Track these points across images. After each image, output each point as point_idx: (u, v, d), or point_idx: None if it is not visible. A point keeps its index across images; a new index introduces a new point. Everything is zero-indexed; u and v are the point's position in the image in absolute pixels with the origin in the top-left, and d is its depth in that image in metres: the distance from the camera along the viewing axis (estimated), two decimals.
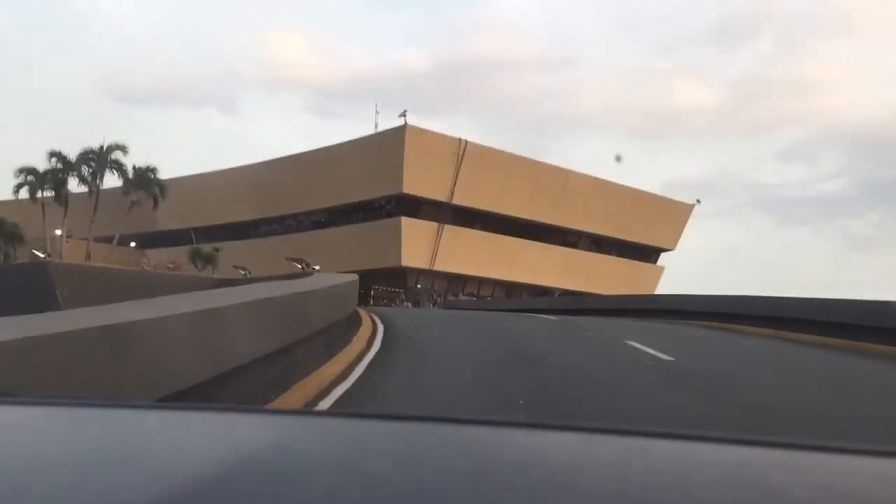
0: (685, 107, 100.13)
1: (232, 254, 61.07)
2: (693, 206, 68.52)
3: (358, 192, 53.42)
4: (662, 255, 70.02)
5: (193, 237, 64.68)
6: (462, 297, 46.59)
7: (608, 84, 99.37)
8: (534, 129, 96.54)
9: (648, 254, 69.00)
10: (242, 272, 28.99)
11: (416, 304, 42.83)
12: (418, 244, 52.51)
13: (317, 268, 27.51)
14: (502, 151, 55.57)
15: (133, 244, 66.64)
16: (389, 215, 53.20)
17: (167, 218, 64.40)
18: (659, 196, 66.66)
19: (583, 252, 63.15)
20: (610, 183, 62.55)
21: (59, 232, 63.46)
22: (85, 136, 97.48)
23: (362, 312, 17.67)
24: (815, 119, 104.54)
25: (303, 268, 28.34)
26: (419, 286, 48.36)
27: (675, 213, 67.52)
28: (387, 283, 55.93)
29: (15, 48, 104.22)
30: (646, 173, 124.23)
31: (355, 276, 17.36)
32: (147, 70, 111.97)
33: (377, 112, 50.81)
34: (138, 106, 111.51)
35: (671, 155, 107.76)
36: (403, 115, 48.87)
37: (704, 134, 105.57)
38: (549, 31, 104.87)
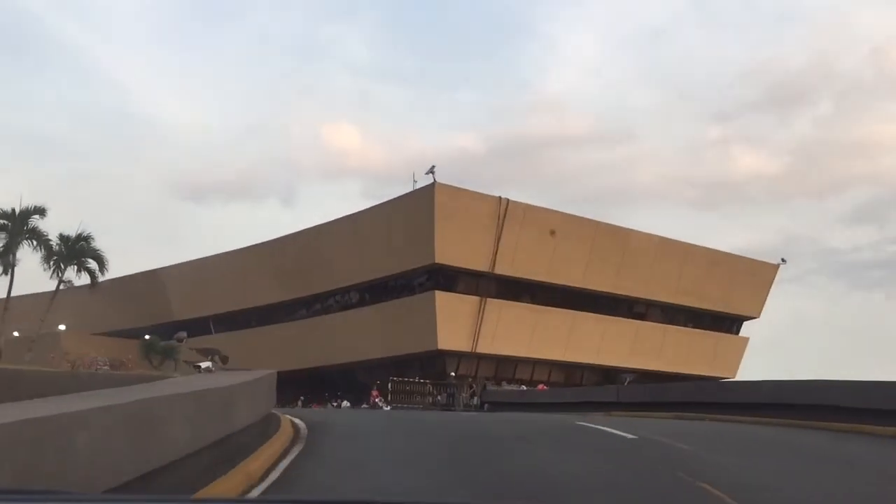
0: (745, 175, 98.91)
1: (250, 343, 54.12)
2: (778, 266, 59.29)
3: (388, 264, 46.15)
4: (745, 324, 60.44)
5: (212, 326, 58.11)
6: (507, 387, 37.66)
7: (664, 157, 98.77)
8: (590, 206, 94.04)
9: (729, 323, 59.56)
10: (205, 364, 21.88)
11: (448, 401, 34.27)
12: (456, 323, 44.65)
13: (207, 364, 20.11)
14: (550, 210, 47.89)
15: (147, 337, 60.49)
16: (422, 290, 45.63)
17: (182, 306, 58.16)
18: (737, 256, 57.70)
19: (652, 324, 54.23)
20: (679, 243, 54.07)
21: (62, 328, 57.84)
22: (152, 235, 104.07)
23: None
24: (879, 179, 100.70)
25: (195, 365, 20.91)
26: (453, 374, 40.05)
27: (757, 276, 58.29)
28: (422, 372, 47.97)
29: (83, 154, 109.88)
30: (708, 245, 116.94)
31: (268, 373, 14.37)
32: (210, 168, 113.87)
33: (415, 181, 43.61)
34: (202, 203, 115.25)
35: (732, 225, 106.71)
36: (431, 171, 41.84)
37: (766, 202, 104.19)
38: (603, 107, 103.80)
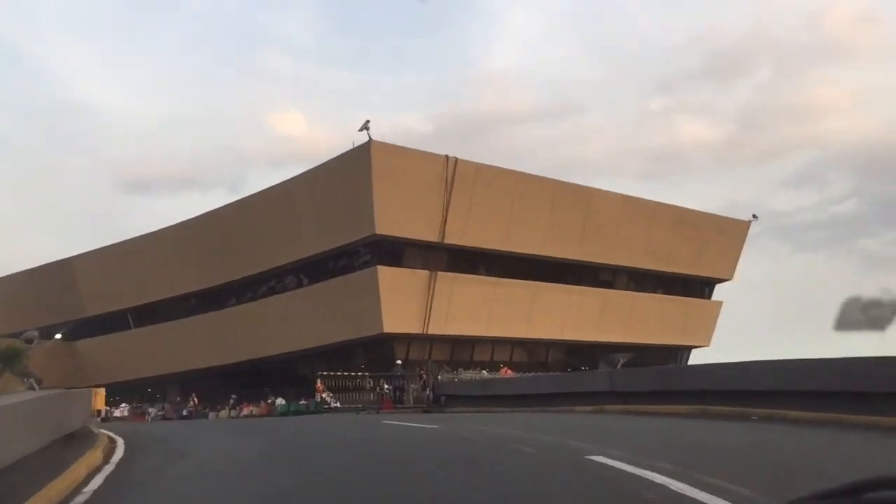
0: (689, 144, 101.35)
1: (175, 338, 48.01)
2: (750, 223, 55.08)
3: (324, 239, 40.42)
4: (717, 287, 56.23)
5: (131, 321, 51.76)
6: (466, 374, 31.80)
7: (610, 130, 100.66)
8: None
9: (700, 287, 55.27)
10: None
11: (396, 395, 28.44)
12: (404, 302, 39.21)
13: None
14: (504, 169, 42.56)
15: (58, 336, 53.88)
16: (363, 267, 40.04)
17: (95, 299, 51.70)
18: (706, 213, 53.25)
19: (620, 292, 49.53)
20: (645, 201, 49.37)
21: None
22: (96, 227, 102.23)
23: None
24: (819, 143, 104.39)
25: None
26: (399, 362, 34.45)
27: (727, 234, 54.02)
28: (368, 360, 42.56)
29: (22, 147, 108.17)
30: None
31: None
32: (154, 159, 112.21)
33: (353, 144, 37.18)
34: (148, 194, 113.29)
35: (680, 193, 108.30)
36: (366, 127, 35.99)
37: (710, 169, 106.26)
38: (547, 83, 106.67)
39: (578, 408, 17.92)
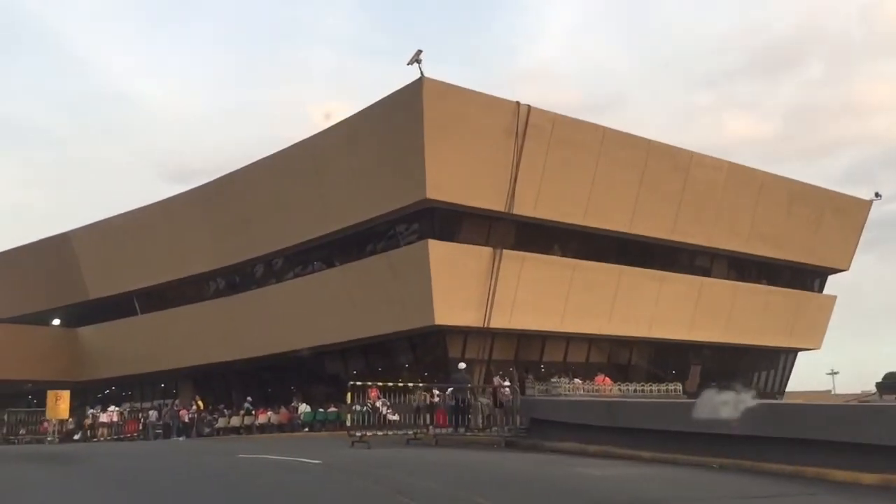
0: (736, 140, 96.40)
1: (184, 326, 40.51)
2: (871, 202, 45.76)
3: (361, 207, 32.35)
4: (829, 279, 47.02)
5: (137, 306, 44.41)
6: (558, 384, 22.16)
7: (654, 125, 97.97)
8: None
9: (811, 278, 46.15)
10: None
11: (458, 410, 19.14)
12: (461, 286, 30.99)
13: None
14: (587, 123, 34.05)
15: (56, 321, 46.89)
16: (410, 241, 31.89)
17: (98, 281, 44.49)
18: (824, 189, 44.02)
19: (719, 281, 40.67)
20: (754, 171, 40.45)
21: None
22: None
23: None
24: (870, 139, 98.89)
25: None
26: (463, 365, 25.41)
27: (845, 215, 44.81)
28: (415, 357, 34.70)
29: (66, 136, 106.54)
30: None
31: None
32: (196, 150, 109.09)
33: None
34: (190, 185, 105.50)
35: None
36: (417, 59, 27.69)
37: (758, 165, 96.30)
38: (591, 76, 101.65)
39: (839, 473, 9.69)
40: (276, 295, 36.94)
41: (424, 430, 16.90)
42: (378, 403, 19.33)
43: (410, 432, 16.91)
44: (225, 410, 34.66)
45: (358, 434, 15.93)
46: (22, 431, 33.27)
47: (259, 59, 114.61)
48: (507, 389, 19.60)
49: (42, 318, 46.36)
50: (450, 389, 19.30)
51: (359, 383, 18.53)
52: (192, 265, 40.36)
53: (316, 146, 33.90)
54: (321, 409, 32.82)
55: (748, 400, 11.57)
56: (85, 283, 44.87)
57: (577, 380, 22.66)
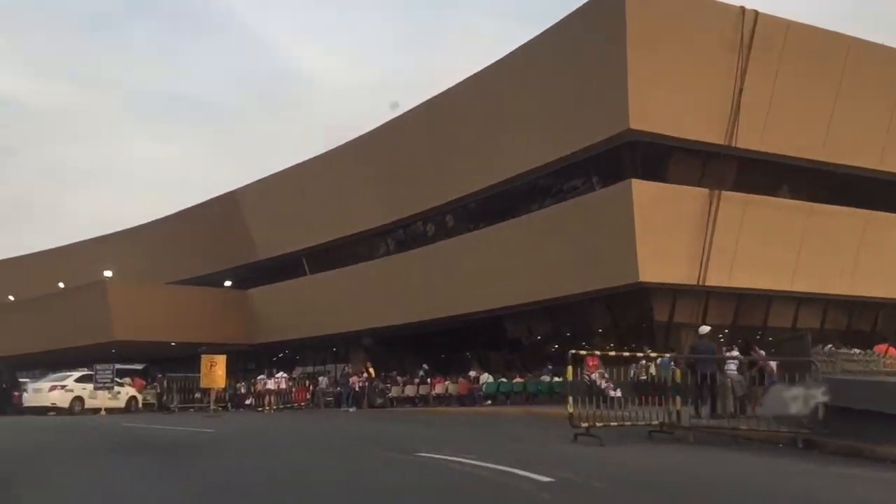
0: None
1: (353, 287, 37.79)
2: None
3: (550, 144, 27.55)
4: None
5: (306, 266, 42.29)
6: (846, 354, 17.07)
7: None
8: None
9: None
10: None
11: (704, 387, 14.23)
12: (670, 236, 25.65)
13: None
14: (827, 31, 27.35)
15: (228, 283, 45.81)
16: (609, 181, 26.82)
17: (267, 240, 42.78)
18: None
19: None
20: None
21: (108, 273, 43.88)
22: None
23: None
24: None
25: None
26: (707, 327, 20.01)
27: None
28: (611, 320, 29.89)
29: (240, 115, 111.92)
30: None
31: None
32: (359, 122, 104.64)
33: None
34: None
35: None
36: None
37: None
38: None
39: None
40: (451, 251, 33.12)
41: (675, 420, 12.14)
42: (595, 376, 14.79)
43: (655, 421, 12.16)
44: (398, 378, 31.42)
45: (584, 425, 11.38)
46: (175, 402, 30.79)
47: (419, 28, 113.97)
48: (773, 364, 14.53)
49: (213, 280, 45.46)
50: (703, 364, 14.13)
51: (582, 353, 14.12)
52: (358, 221, 37.42)
53: (494, 77, 29.42)
54: (504, 380, 28.75)
55: None
56: (255, 242, 43.33)
57: (855, 349, 17.26)
